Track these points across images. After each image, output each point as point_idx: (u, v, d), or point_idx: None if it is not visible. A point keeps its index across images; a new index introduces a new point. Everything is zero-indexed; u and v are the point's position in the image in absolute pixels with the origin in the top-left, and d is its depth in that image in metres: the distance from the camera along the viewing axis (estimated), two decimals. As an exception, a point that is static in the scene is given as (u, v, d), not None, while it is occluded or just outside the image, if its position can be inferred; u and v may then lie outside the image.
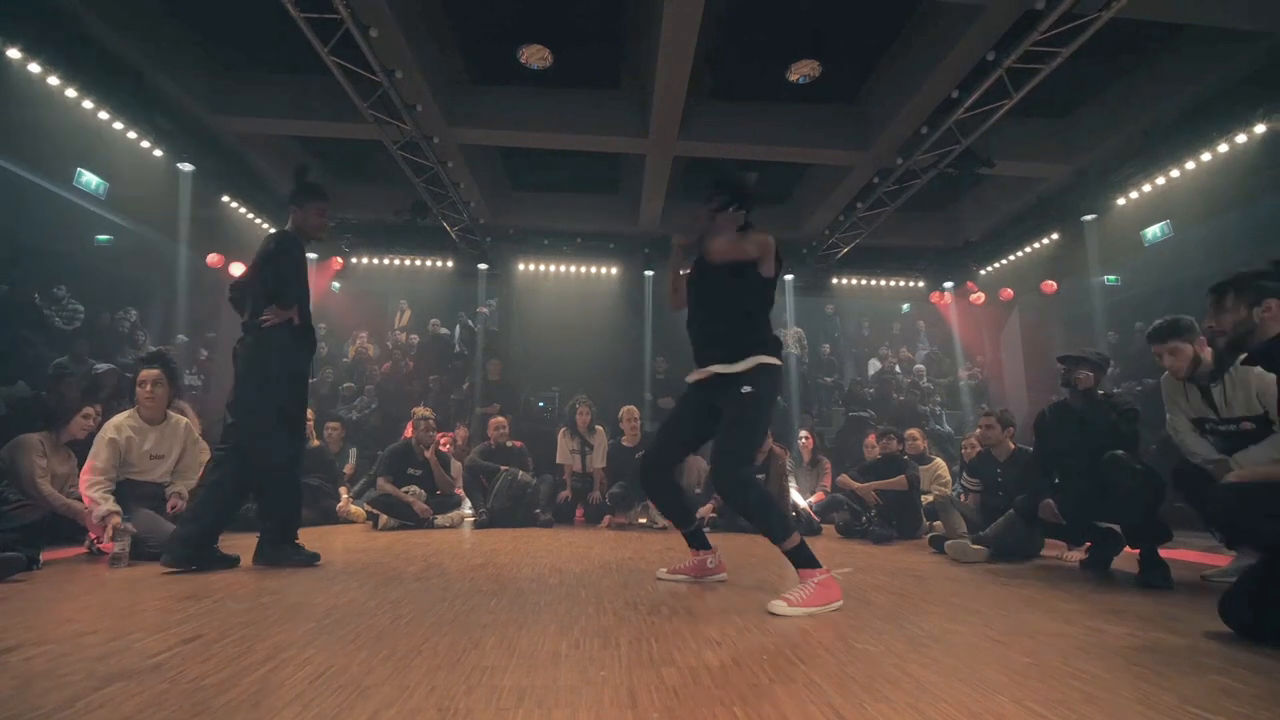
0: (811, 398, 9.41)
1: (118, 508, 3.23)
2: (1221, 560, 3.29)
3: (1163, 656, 1.81)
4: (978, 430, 4.41)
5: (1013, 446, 4.23)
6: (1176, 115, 6.01)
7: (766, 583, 2.83)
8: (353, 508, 5.52)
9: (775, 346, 2.59)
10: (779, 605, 2.25)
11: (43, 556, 2.90)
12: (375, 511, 5.16)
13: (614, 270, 9.51)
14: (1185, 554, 3.78)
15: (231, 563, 3.03)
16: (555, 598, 2.48)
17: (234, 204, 7.48)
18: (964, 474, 4.60)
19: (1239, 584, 2.08)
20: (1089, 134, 6.67)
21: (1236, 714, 1.39)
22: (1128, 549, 3.26)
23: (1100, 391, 3.40)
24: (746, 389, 2.47)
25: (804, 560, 2.40)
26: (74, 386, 5.08)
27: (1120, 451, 3.07)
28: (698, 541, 2.90)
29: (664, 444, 2.82)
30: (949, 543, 3.81)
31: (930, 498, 4.78)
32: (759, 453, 5.38)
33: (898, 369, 9.94)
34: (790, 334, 9.57)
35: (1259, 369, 2.54)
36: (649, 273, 9.47)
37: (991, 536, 3.74)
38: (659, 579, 2.89)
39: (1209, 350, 2.92)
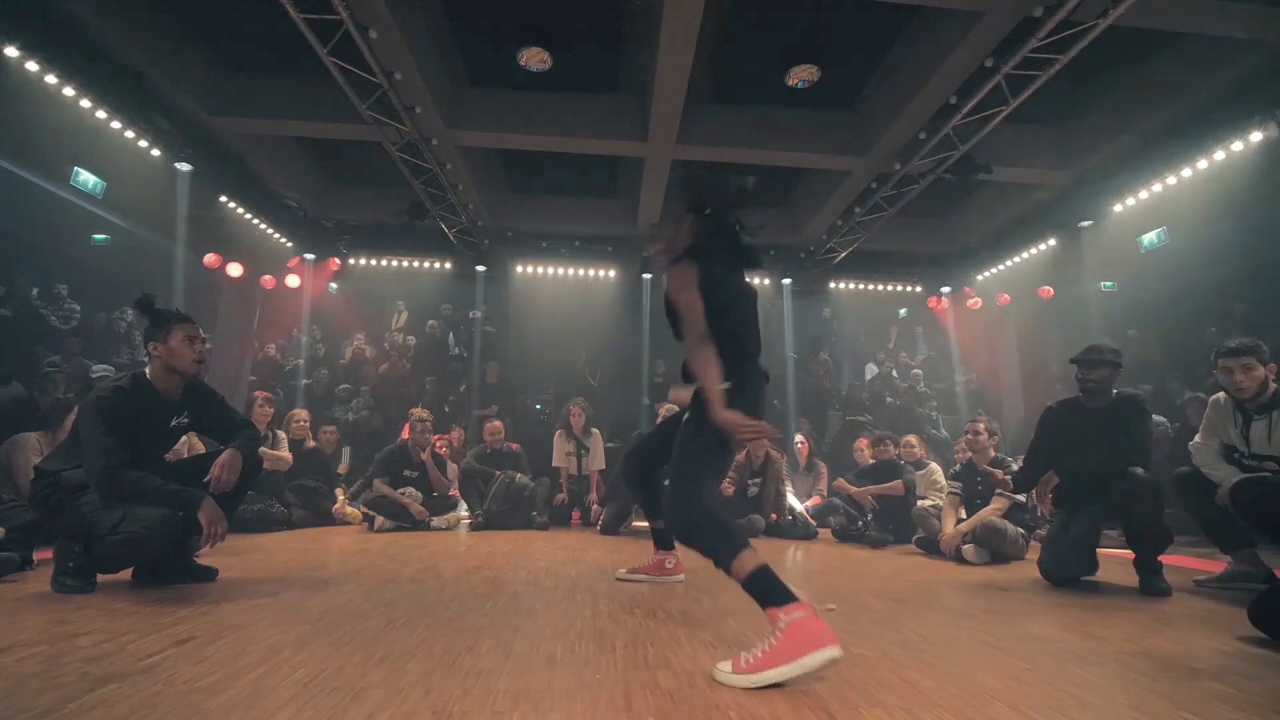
0: (808, 402, 9.42)
1: None
2: (1216, 566, 3.30)
3: (1157, 662, 1.81)
4: (965, 436, 4.39)
5: (993, 454, 4.20)
6: (1173, 123, 6.03)
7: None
8: (349, 509, 5.50)
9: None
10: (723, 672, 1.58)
11: (36, 556, 2.89)
12: (371, 513, 5.15)
13: (612, 273, 9.50)
14: (1180, 559, 3.79)
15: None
16: (551, 600, 2.48)
17: (232, 204, 7.46)
18: (948, 479, 4.60)
19: (1271, 589, 2.12)
20: (1086, 141, 6.68)
21: (1230, 720, 1.40)
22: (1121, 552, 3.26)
23: (1115, 391, 3.26)
24: None
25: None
26: (60, 384, 5.06)
27: (1139, 471, 3.00)
28: (663, 542, 2.97)
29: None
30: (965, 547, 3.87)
31: (927, 502, 4.78)
32: (755, 458, 5.40)
33: (894, 374, 9.94)
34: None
35: None
36: (647, 276, 9.46)
37: (983, 537, 3.83)
38: (618, 579, 2.97)
39: (1276, 384, 2.89)
